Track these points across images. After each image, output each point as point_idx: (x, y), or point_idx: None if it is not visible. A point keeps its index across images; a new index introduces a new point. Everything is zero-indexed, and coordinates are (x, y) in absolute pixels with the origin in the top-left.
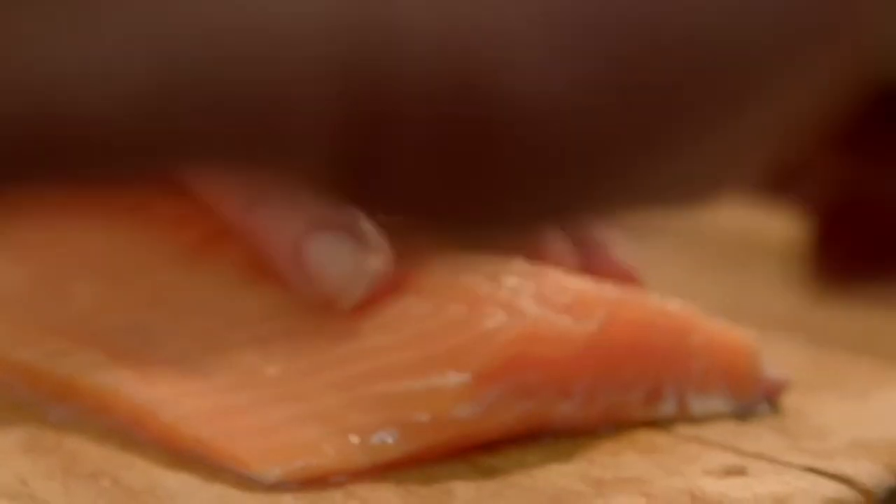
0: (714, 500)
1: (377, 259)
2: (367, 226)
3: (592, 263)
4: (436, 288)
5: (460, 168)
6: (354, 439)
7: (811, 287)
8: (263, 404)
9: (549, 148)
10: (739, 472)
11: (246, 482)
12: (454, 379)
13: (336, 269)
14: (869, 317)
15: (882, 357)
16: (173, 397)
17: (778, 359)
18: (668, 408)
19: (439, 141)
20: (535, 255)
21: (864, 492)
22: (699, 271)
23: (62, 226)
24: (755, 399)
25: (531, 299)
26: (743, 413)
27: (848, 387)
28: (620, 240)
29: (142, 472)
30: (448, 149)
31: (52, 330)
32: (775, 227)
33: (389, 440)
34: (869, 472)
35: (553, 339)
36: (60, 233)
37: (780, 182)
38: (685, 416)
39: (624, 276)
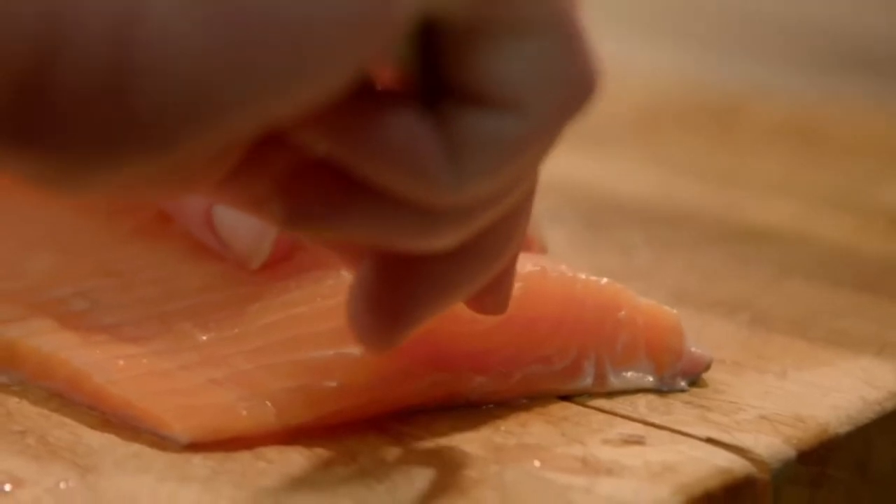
0: (604, 466)
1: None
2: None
3: None
4: None
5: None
6: (267, 404)
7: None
8: (187, 369)
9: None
10: (637, 441)
11: (163, 441)
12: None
13: (242, 231)
14: (811, 303)
15: (815, 341)
16: (107, 361)
17: (711, 338)
18: (586, 381)
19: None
20: None
21: (758, 462)
22: (657, 248)
23: (15, 200)
24: (675, 375)
25: None
26: (662, 388)
27: (771, 367)
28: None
29: (69, 431)
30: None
31: (3, 298)
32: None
33: (301, 405)
34: (767, 445)
35: (466, 314)
36: (14, 207)
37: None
38: (602, 389)
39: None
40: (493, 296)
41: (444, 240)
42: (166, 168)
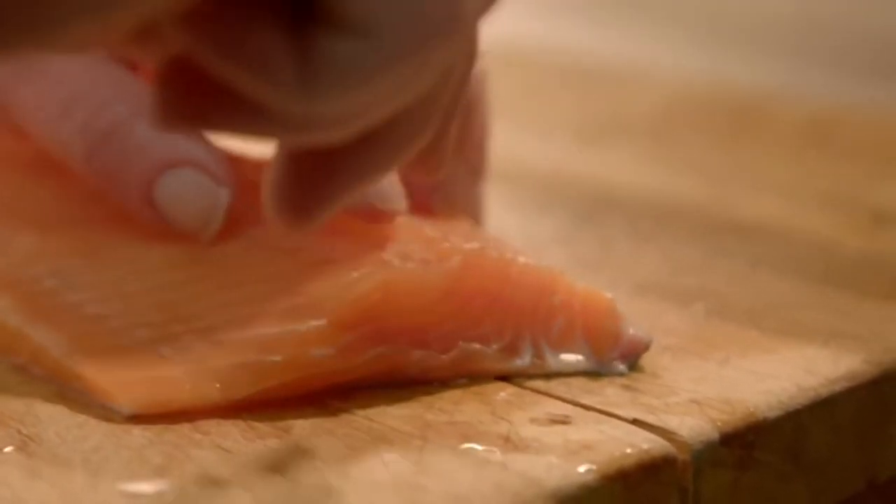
0: (525, 444)
1: (227, 189)
2: (212, 156)
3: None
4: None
5: None
6: (210, 378)
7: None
8: (140, 345)
9: None
10: (563, 420)
11: (108, 413)
12: (310, 324)
13: (188, 204)
14: (774, 295)
15: (766, 331)
16: (66, 337)
17: (665, 325)
18: (523, 362)
19: None
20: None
21: (679, 443)
22: (637, 240)
23: (2, 183)
24: (613, 358)
25: (390, 250)
26: (599, 371)
27: (715, 354)
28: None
29: (24, 403)
30: None
31: None
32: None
33: (244, 380)
34: (691, 427)
35: (409, 289)
36: (1, 190)
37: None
38: (540, 371)
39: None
40: (423, 164)
41: (321, 139)
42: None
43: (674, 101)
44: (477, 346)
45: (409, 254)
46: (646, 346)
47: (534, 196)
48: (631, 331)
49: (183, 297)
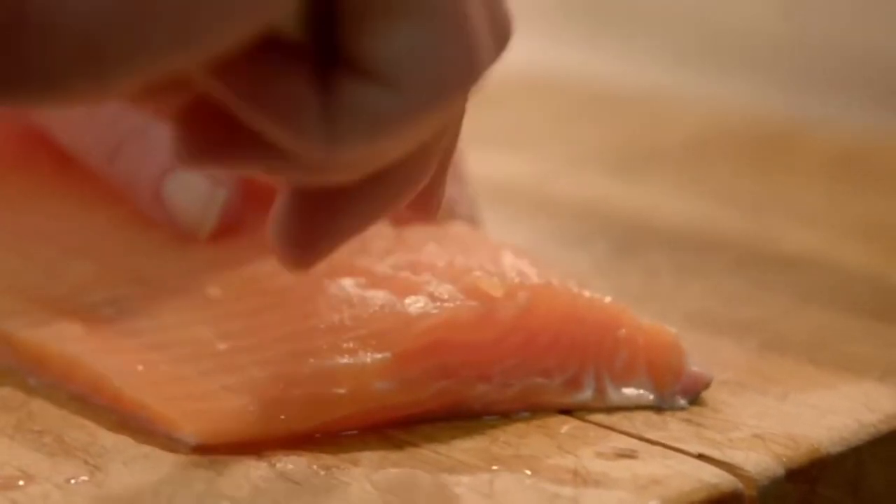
0: (594, 478)
1: (224, 189)
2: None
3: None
4: (358, 270)
5: None
6: (275, 409)
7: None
8: (203, 376)
9: None
10: (629, 455)
11: (173, 443)
12: (374, 357)
13: (189, 202)
14: (825, 328)
15: (821, 365)
16: (127, 366)
17: (720, 360)
18: (585, 395)
19: None
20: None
21: (746, 478)
22: (681, 272)
23: (57, 209)
24: (674, 393)
25: (451, 284)
26: (661, 405)
27: (773, 389)
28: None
29: (87, 432)
30: None
31: (38, 304)
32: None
33: (308, 411)
34: (756, 462)
35: (473, 324)
36: (56, 215)
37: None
38: (602, 404)
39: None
40: (422, 206)
41: (332, 180)
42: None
43: (706, 129)
44: (540, 380)
45: (478, 286)
46: (707, 383)
47: (571, 227)
48: (693, 367)
49: (245, 328)
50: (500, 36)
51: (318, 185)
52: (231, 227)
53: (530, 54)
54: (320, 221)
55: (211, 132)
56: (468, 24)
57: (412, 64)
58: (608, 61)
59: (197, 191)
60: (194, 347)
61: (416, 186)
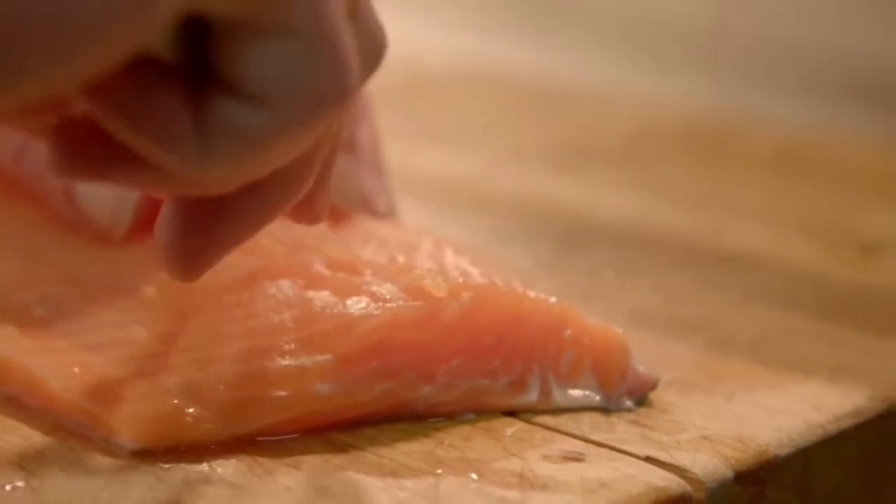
0: (541, 482)
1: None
2: None
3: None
4: (297, 270)
5: None
6: (215, 412)
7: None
8: (141, 377)
9: None
10: (576, 458)
11: (111, 448)
12: (316, 359)
13: (100, 201)
14: (770, 327)
15: (768, 364)
16: (63, 368)
17: (666, 359)
18: (531, 397)
19: None
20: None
21: (694, 481)
22: (624, 270)
23: None
24: (621, 394)
25: (393, 284)
26: (608, 406)
27: (720, 389)
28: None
29: (21, 435)
30: None
31: None
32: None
33: (248, 414)
34: (704, 464)
35: (416, 325)
36: None
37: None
38: (547, 406)
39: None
40: (306, 212)
41: (209, 192)
42: None
43: (646, 125)
44: (485, 381)
45: (420, 286)
46: (654, 384)
47: (513, 224)
48: (640, 367)
49: (182, 328)
50: (373, 51)
51: (196, 196)
52: (153, 224)
53: (471, 50)
54: (202, 231)
55: (84, 147)
56: (338, 42)
57: (282, 83)
58: (550, 58)
59: (108, 190)
60: (131, 348)
61: (296, 194)
